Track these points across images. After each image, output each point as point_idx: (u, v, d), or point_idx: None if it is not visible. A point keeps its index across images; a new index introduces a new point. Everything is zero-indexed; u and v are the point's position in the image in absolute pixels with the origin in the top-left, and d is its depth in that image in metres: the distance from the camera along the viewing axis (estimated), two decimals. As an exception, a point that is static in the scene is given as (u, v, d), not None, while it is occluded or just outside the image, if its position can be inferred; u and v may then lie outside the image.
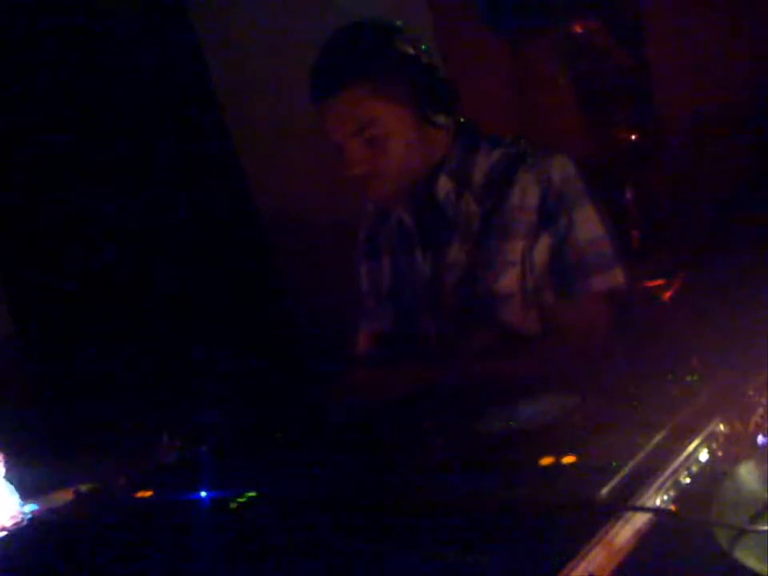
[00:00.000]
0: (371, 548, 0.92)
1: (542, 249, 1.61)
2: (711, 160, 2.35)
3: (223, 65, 3.16)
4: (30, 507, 1.46)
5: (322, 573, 0.91)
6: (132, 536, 1.19)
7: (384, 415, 1.39)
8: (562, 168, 1.62)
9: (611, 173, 2.46)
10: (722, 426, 1.00)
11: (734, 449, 0.98)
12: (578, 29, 2.45)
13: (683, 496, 0.91)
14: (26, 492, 1.48)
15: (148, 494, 1.31)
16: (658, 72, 2.45)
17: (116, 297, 2.78)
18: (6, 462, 1.48)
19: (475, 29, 2.57)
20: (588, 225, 1.60)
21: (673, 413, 1.01)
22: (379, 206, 1.83)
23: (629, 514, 0.85)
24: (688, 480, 0.93)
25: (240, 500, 1.15)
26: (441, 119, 1.63)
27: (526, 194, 1.62)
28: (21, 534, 1.37)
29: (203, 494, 1.19)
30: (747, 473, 0.94)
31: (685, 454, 0.95)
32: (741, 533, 0.85)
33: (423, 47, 1.63)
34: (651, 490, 0.89)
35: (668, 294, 2.13)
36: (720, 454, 0.97)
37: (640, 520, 0.86)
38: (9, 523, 1.40)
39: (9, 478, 1.47)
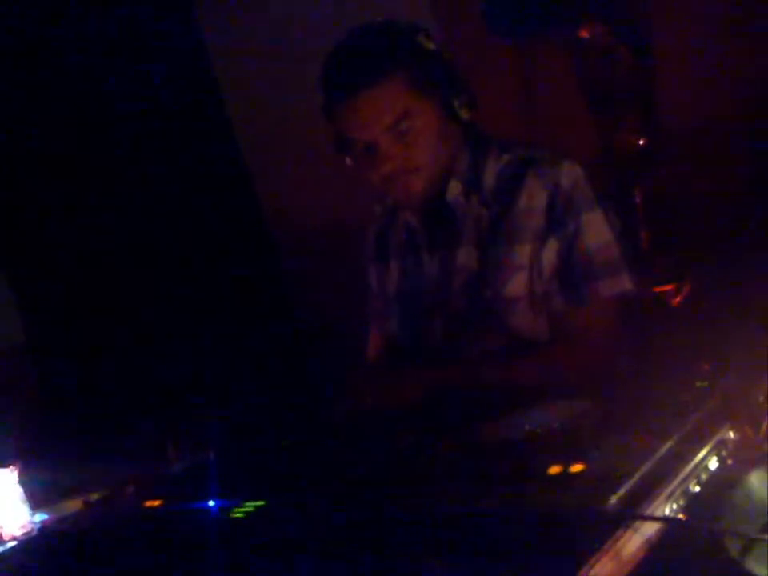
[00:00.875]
0: (378, 555, 0.91)
1: (549, 254, 1.61)
2: (720, 164, 2.35)
3: (228, 65, 3.17)
4: (40, 516, 1.46)
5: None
6: (141, 545, 1.19)
7: (391, 420, 1.38)
8: (570, 173, 1.62)
9: (619, 177, 2.45)
10: (732, 433, 0.99)
11: (745, 456, 0.97)
12: (585, 34, 2.45)
13: (693, 504, 0.90)
14: (36, 501, 1.48)
15: (157, 502, 1.31)
16: (664, 77, 2.44)
17: (124, 304, 2.79)
18: (17, 471, 1.48)
19: (482, 35, 2.57)
20: (596, 230, 1.60)
21: (682, 420, 1.01)
22: (390, 208, 1.83)
23: (638, 523, 0.84)
24: (698, 488, 0.92)
25: (248, 509, 1.15)
26: (464, 114, 1.64)
27: (534, 199, 1.62)
28: (31, 543, 1.37)
29: (211, 503, 1.19)
30: (758, 480, 0.93)
31: (694, 461, 0.94)
32: (751, 542, 0.85)
33: (439, 46, 1.64)
34: (660, 499, 0.88)
35: (677, 300, 2.13)
36: (730, 461, 0.97)
37: (649, 529, 0.85)
38: (19, 532, 1.41)
39: (19, 486, 1.47)
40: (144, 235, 2.90)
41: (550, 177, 1.62)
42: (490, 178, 1.68)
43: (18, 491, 1.47)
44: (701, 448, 0.96)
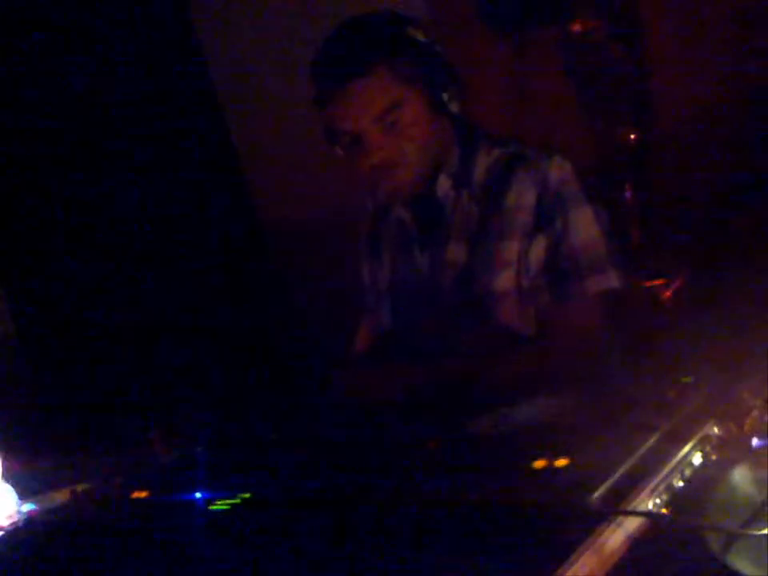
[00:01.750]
0: (359, 548, 0.92)
1: (538, 250, 1.61)
2: (710, 159, 2.35)
3: (222, 62, 3.16)
4: (28, 507, 1.46)
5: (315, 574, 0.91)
6: (129, 536, 1.19)
7: (377, 415, 1.38)
8: (559, 169, 1.62)
9: (610, 172, 2.45)
10: (716, 429, 0.99)
11: (729, 452, 0.97)
12: (578, 27, 2.45)
13: (676, 500, 0.91)
14: (24, 492, 1.48)
15: (144, 494, 1.31)
16: (657, 70, 2.44)
17: (113, 297, 2.78)
18: (4, 462, 1.48)
19: (474, 28, 2.57)
20: (584, 227, 1.60)
21: (667, 415, 1.01)
22: (381, 202, 1.83)
23: (621, 518, 0.85)
24: (681, 483, 0.92)
25: (235, 501, 1.15)
26: (454, 107, 1.63)
27: (522, 195, 1.62)
28: (18, 533, 1.37)
29: (199, 494, 1.19)
30: (741, 476, 0.93)
31: (678, 457, 0.94)
32: (734, 537, 0.85)
33: (431, 37, 1.64)
34: (644, 494, 0.88)
35: (667, 294, 2.13)
36: (714, 457, 0.97)
37: (632, 524, 0.85)
38: (6, 523, 1.40)
39: (6, 477, 1.47)
40: (133, 230, 2.89)
41: (539, 173, 1.62)
42: (480, 172, 1.68)
43: (6, 482, 1.46)
44: (685, 443, 0.96)
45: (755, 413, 1.01)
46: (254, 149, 3.19)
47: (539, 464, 0.95)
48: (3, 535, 1.37)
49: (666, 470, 0.92)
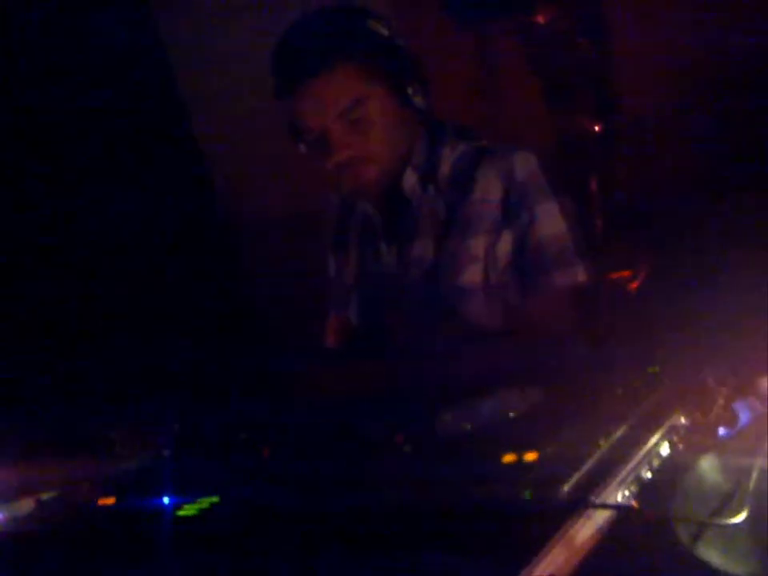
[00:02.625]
0: (331, 550, 0.91)
1: (504, 244, 1.61)
2: (676, 147, 2.36)
3: (185, 53, 3.13)
4: (-8, 516, 1.43)
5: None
6: (96, 544, 1.17)
7: (344, 412, 1.38)
8: (524, 163, 1.61)
9: (575, 163, 2.46)
10: (683, 419, 1.00)
11: (696, 442, 0.98)
12: (540, 19, 2.45)
13: (645, 491, 0.91)
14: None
15: (111, 500, 1.29)
16: (621, 61, 2.45)
17: (78, 296, 2.75)
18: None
19: (438, 19, 2.56)
20: (550, 221, 1.60)
21: (634, 406, 1.01)
22: (347, 197, 1.82)
23: (590, 510, 0.84)
24: (649, 475, 0.93)
25: (203, 505, 1.13)
26: (419, 101, 1.62)
27: (488, 189, 1.62)
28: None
29: (166, 499, 1.17)
30: (709, 466, 0.94)
31: (646, 447, 0.94)
32: (703, 527, 0.85)
33: (394, 30, 1.62)
34: (613, 486, 0.88)
35: (633, 285, 2.14)
36: (681, 447, 0.97)
37: (601, 517, 0.85)
38: (-30, 533, 1.38)
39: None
40: (101, 227, 2.85)
41: (504, 167, 1.62)
42: (445, 167, 1.67)
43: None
44: (652, 434, 0.96)
45: (721, 402, 1.02)
46: (219, 147, 3.17)
47: (508, 458, 0.94)
48: (-32, 545, 1.34)
49: (635, 461, 0.92)
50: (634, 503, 0.89)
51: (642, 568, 0.82)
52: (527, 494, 0.87)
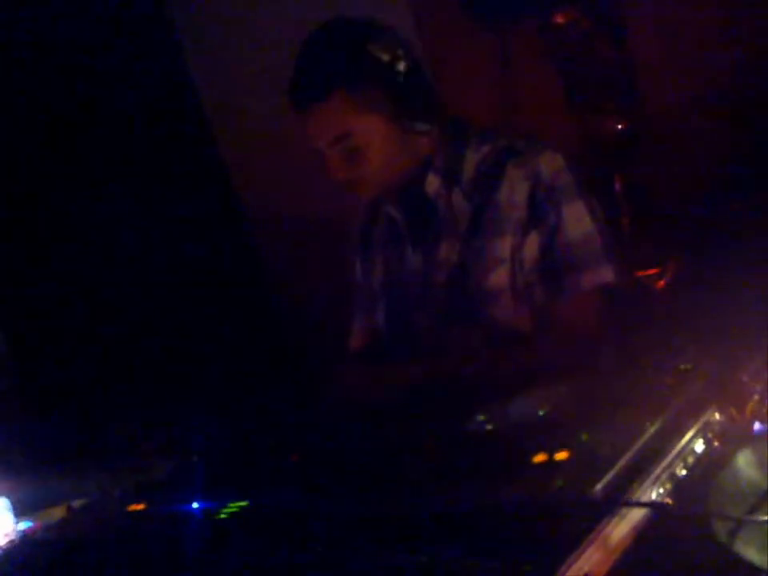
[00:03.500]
0: (366, 551, 0.90)
1: (531, 245, 1.59)
2: (699, 147, 2.34)
3: (205, 66, 3.15)
4: (24, 524, 1.44)
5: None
6: (126, 550, 1.17)
7: (376, 414, 1.37)
8: (551, 163, 1.60)
9: (600, 163, 2.44)
10: (717, 415, 0.98)
11: (731, 437, 0.96)
12: (561, 19, 2.44)
13: (680, 488, 0.89)
14: (20, 509, 1.46)
15: (141, 507, 1.29)
16: (642, 60, 2.43)
17: (107, 310, 2.77)
18: (0, 480, 1.47)
19: (458, 21, 2.55)
20: (578, 221, 1.58)
21: (667, 403, 1.00)
22: (369, 202, 1.82)
23: (624, 509, 0.83)
24: (684, 472, 0.91)
25: (232, 510, 1.13)
26: (420, 126, 1.62)
27: (514, 190, 1.61)
28: (15, 551, 1.35)
29: (195, 505, 1.18)
30: (745, 462, 0.92)
31: (680, 445, 0.93)
32: (739, 524, 0.84)
33: (400, 51, 1.59)
34: (647, 484, 0.87)
35: (661, 283, 2.12)
36: (716, 443, 0.96)
37: (636, 515, 0.84)
38: (3, 541, 1.39)
39: (2, 495, 1.46)
40: (125, 238, 2.87)
41: (530, 167, 1.60)
42: (469, 169, 1.66)
43: (2, 500, 1.45)
44: (686, 431, 0.95)
45: (756, 397, 1.00)
46: (241, 154, 3.18)
47: (540, 458, 0.94)
48: (0, 553, 1.35)
49: (669, 458, 0.91)
50: (668, 501, 0.88)
51: (678, 566, 0.80)
52: (561, 494, 0.86)
